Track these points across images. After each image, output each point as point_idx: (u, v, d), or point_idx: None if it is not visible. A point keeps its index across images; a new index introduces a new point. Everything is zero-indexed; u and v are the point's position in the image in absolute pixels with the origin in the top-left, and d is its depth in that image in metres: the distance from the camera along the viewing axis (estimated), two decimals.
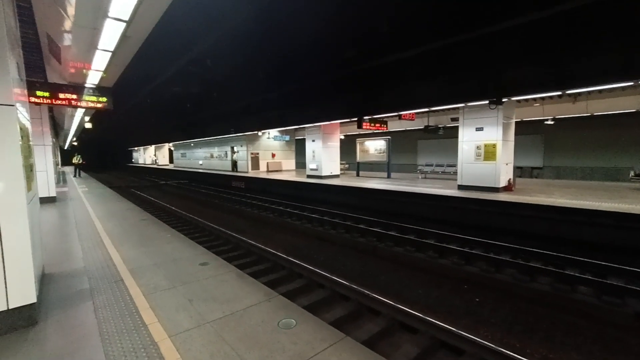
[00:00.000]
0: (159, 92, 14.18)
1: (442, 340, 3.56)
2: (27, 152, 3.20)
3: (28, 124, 3.61)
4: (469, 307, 4.54)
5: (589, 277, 5.06)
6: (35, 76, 8.38)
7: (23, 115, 3.17)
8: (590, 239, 6.89)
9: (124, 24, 4.46)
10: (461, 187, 10.74)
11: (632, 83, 7.22)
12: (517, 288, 5.00)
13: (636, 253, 6.23)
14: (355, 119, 13.08)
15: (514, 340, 3.74)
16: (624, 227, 6.53)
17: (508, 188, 10.17)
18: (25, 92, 4.20)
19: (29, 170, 3.18)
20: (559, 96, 12.39)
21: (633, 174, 10.46)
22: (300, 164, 22.61)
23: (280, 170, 22.56)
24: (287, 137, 22.39)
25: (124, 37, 4.91)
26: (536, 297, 4.75)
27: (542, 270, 5.44)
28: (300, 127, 18.30)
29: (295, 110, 14.73)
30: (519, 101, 12.88)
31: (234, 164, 23.59)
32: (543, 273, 5.40)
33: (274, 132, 21.40)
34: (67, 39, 5.34)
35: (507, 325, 4.08)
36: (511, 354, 3.15)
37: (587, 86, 7.46)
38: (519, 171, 18.04)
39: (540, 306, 4.53)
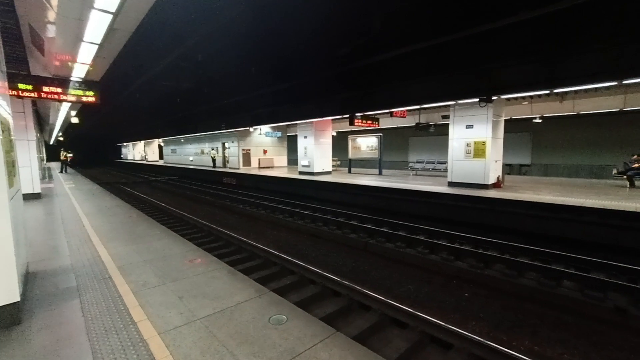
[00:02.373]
0: (148, 86, 13.90)
1: (431, 335, 3.61)
2: (9, 147, 3.10)
3: (9, 118, 3.49)
4: (459, 303, 4.62)
5: (574, 272, 5.20)
6: (17, 68, 8.11)
7: (4, 108, 3.06)
8: (575, 235, 7.07)
9: (111, 16, 4.35)
10: (451, 184, 10.87)
11: (616, 83, 7.40)
12: (506, 284, 5.11)
13: (617, 247, 6.43)
14: (348, 115, 13.08)
15: (501, 335, 3.82)
16: (606, 222, 6.72)
17: (497, 185, 10.35)
18: (6, 84, 4.06)
19: (11, 165, 3.09)
20: (547, 95, 12.63)
21: (616, 172, 10.76)
22: (292, 160, 22.55)
23: (272, 167, 22.46)
24: (279, 134, 22.27)
25: (110, 29, 4.79)
26: (524, 292, 4.86)
27: (530, 265, 5.56)
28: (292, 124, 18.22)
29: (287, 106, 14.65)
30: (508, 99, 13.06)
31: (214, 160, 23.70)
32: (530, 268, 5.52)
33: (265, 128, 21.26)
34: (51, 30, 5.18)
35: (495, 320, 4.16)
36: (498, 347, 3.23)
37: (574, 85, 7.61)
38: (508, 168, 18.37)
39: (528, 301, 4.64)
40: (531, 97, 13.31)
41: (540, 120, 15.58)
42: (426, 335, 3.62)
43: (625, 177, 10.22)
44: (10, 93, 6.48)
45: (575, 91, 12.48)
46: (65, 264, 4.14)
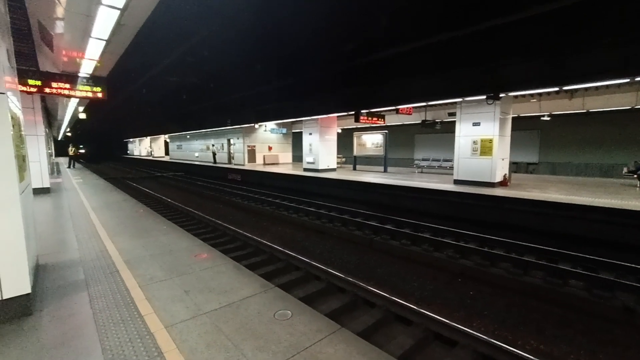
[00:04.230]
0: (155, 82, 13.99)
1: (436, 332, 3.61)
2: (19, 142, 3.15)
3: (20, 113, 3.54)
4: (463, 300, 4.60)
5: (580, 271, 5.14)
6: (27, 64, 8.21)
7: (14, 104, 3.11)
8: (583, 234, 6.99)
9: (118, 12, 4.38)
10: (457, 182, 10.79)
11: (628, 80, 7.24)
12: (511, 282, 5.07)
13: (625, 247, 6.34)
14: (353, 112, 13.03)
15: (506, 333, 3.80)
16: (614, 222, 6.63)
17: (503, 183, 10.25)
18: (16, 80, 4.11)
19: (22, 160, 3.14)
20: (556, 92, 12.43)
21: (626, 170, 10.57)
22: (297, 157, 22.55)
23: (277, 164, 22.50)
24: (284, 130, 22.27)
25: (118, 25, 4.82)
26: (529, 290, 4.82)
27: (536, 264, 5.51)
28: (297, 120, 18.20)
29: (292, 102, 14.64)
30: (516, 97, 12.87)
31: (214, 156, 24.68)
32: (536, 267, 5.47)
33: (271, 124, 21.28)
34: (59, 27, 5.23)
35: (500, 318, 4.14)
36: (503, 345, 3.21)
37: (584, 82, 7.47)
38: (515, 167, 18.15)
39: (533, 299, 4.60)
40: (539, 94, 13.12)
41: (548, 118, 15.34)
42: (431, 332, 3.62)
43: (635, 176, 10.05)
44: (20, 89, 6.57)
45: (585, 88, 12.26)
46: (73, 257, 4.20)
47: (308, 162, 16.54)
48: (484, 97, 9.08)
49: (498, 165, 10.01)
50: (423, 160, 16.83)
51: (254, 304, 2.98)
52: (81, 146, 22.63)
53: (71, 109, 15.81)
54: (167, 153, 39.95)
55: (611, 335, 3.78)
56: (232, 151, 23.56)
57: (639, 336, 3.76)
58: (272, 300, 3.06)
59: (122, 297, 3.09)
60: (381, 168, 16.45)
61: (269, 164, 21.77)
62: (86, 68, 7.31)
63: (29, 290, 2.73)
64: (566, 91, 12.47)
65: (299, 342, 2.43)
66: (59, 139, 39.23)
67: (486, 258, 5.94)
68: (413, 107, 14.39)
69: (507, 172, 10.52)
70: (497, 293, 4.81)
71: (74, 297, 3.11)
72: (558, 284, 4.96)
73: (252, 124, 19.71)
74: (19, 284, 2.68)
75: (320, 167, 15.98)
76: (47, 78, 7.05)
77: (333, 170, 16.58)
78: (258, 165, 21.07)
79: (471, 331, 3.44)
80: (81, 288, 3.29)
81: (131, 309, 2.87)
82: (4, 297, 2.62)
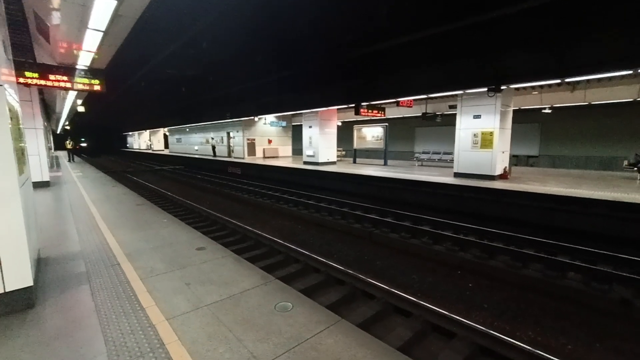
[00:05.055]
0: (153, 75, 13.86)
1: (434, 324, 3.65)
2: (18, 135, 3.13)
3: (17, 106, 3.51)
4: (462, 293, 4.64)
5: (579, 264, 5.16)
6: (23, 56, 8.11)
7: (12, 96, 3.08)
8: (582, 227, 7.01)
9: (115, 2, 4.30)
10: (457, 175, 10.79)
11: (631, 72, 7.17)
12: (510, 275, 5.10)
13: (625, 240, 6.36)
14: (353, 105, 12.95)
15: (504, 325, 3.84)
16: (614, 215, 6.64)
17: (503, 176, 10.25)
18: (13, 72, 4.07)
19: (21, 153, 3.12)
20: (558, 85, 12.33)
21: (627, 163, 10.56)
22: (297, 150, 22.50)
23: (277, 157, 22.46)
24: (284, 123, 22.16)
25: (115, 15, 4.75)
26: (528, 283, 4.86)
27: (534, 257, 5.54)
28: (297, 113, 18.11)
29: (292, 95, 14.54)
30: (517, 89, 12.77)
31: (214, 149, 25.05)
32: (535, 260, 5.50)
33: (270, 117, 21.17)
34: (56, 17, 5.15)
35: (498, 310, 4.18)
36: (501, 336, 3.25)
37: (586, 74, 7.39)
38: (515, 159, 18.14)
39: (532, 292, 4.64)
40: (541, 86, 13.02)
41: (549, 111, 15.26)
42: (429, 324, 3.65)
43: (636, 169, 10.04)
44: (18, 81, 6.51)
45: (587, 81, 12.15)
46: (74, 250, 4.22)
47: (308, 155, 16.51)
48: (485, 89, 9.02)
49: (498, 158, 10.00)
50: (423, 153, 16.80)
51: (254, 296, 3.00)
52: (82, 139, 22.50)
53: (69, 102, 15.70)
54: (166, 146, 39.84)
55: (608, 327, 3.83)
56: (231, 144, 23.49)
57: (636, 328, 3.81)
58: (272, 292, 3.08)
59: (123, 290, 3.12)
60: (381, 161, 16.42)
61: (268, 157, 21.73)
62: (84, 60, 7.23)
63: (31, 283, 2.75)
64: (568, 83, 12.37)
65: (300, 333, 2.45)
66: (58, 132, 39.09)
67: (485, 251, 5.97)
68: (414, 100, 14.30)
69: (507, 165, 10.51)
70: (496, 286, 4.84)
71: (76, 289, 3.13)
72: (556, 276, 4.99)
73: (252, 117, 19.64)
74: (21, 277, 2.69)
75: (320, 160, 15.96)
76: (45, 70, 6.98)
77: (333, 163, 16.56)
78: (258, 159, 21.04)
79: (470, 322, 3.47)
80: (83, 280, 3.31)
81: (132, 301, 2.90)
82: (7, 290, 2.63)
